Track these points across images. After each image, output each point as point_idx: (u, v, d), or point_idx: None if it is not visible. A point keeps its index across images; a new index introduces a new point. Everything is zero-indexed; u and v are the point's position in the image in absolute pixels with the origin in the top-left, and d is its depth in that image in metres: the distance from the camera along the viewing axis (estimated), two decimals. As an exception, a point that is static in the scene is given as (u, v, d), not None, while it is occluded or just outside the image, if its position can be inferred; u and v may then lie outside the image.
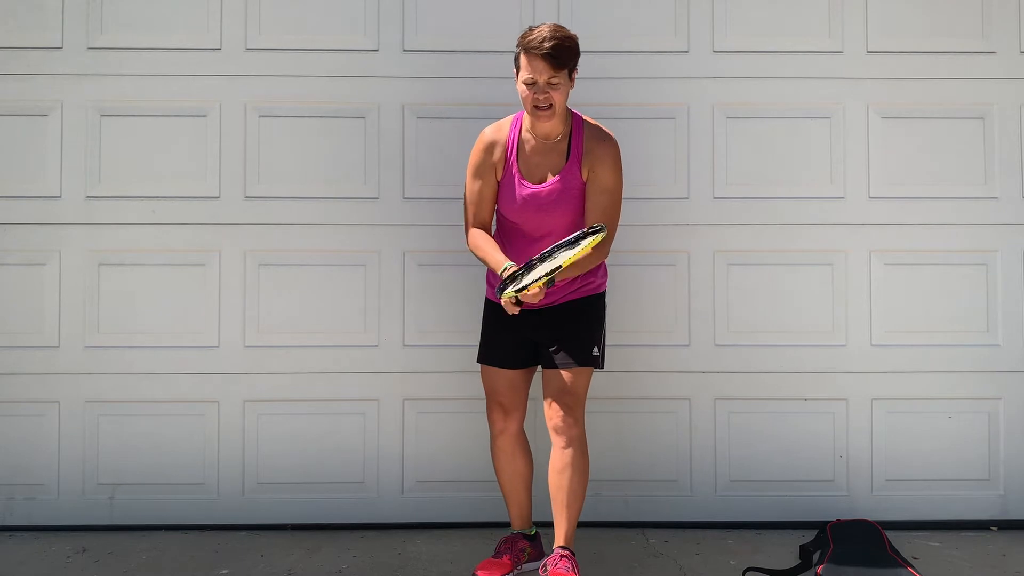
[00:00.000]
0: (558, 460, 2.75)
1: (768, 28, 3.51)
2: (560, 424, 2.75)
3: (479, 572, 2.85)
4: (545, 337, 2.85)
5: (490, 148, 2.86)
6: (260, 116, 3.48)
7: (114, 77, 3.46)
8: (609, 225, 2.74)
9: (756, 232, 3.49)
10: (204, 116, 3.47)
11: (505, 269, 2.69)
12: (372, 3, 3.49)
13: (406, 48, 3.50)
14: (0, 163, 3.44)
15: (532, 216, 2.81)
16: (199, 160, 3.47)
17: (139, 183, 3.45)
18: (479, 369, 2.99)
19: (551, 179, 2.79)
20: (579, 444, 2.76)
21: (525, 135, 2.83)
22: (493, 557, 2.93)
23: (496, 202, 2.90)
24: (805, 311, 3.50)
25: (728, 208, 3.48)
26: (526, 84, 2.70)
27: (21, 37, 3.45)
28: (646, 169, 3.39)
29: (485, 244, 2.84)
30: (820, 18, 3.52)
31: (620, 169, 2.81)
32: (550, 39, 2.64)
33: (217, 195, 3.46)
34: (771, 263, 3.48)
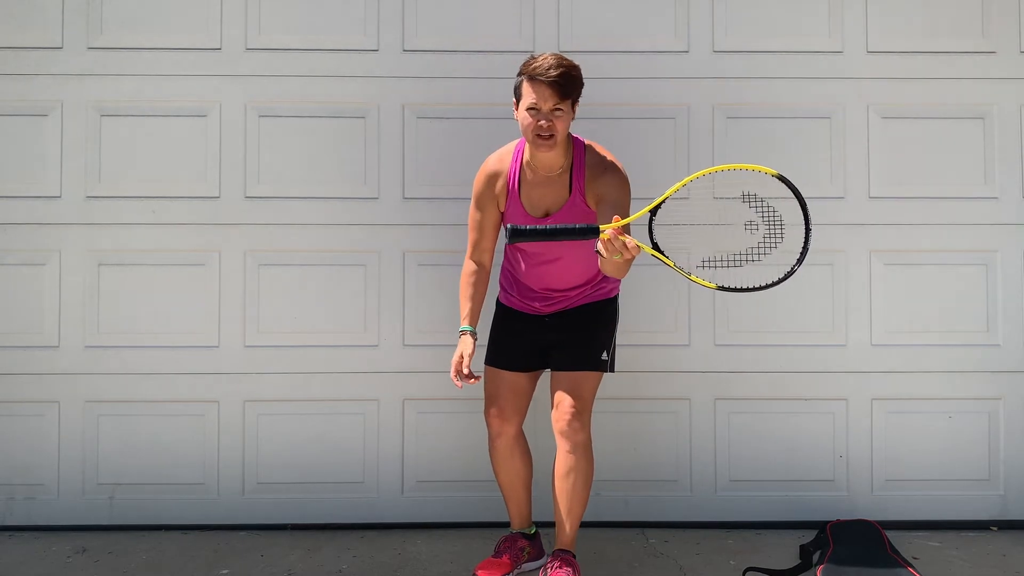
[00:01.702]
0: (562, 465, 2.75)
1: (768, 28, 3.51)
2: (566, 428, 2.74)
3: (479, 572, 2.85)
4: (554, 341, 2.85)
5: (492, 180, 2.84)
6: (260, 116, 3.48)
7: (114, 77, 3.46)
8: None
9: (756, 232, 3.49)
10: (204, 116, 3.47)
11: (463, 332, 2.79)
12: (372, 3, 3.49)
13: (406, 48, 3.50)
14: (0, 163, 3.44)
15: (537, 247, 2.80)
16: (199, 160, 3.47)
17: (139, 183, 3.45)
18: (481, 369, 2.97)
19: (553, 213, 2.77)
20: (584, 449, 2.74)
21: (526, 167, 2.80)
22: (493, 557, 2.93)
23: (498, 231, 2.90)
24: (805, 311, 3.50)
25: (728, 208, 3.49)
26: (528, 111, 2.65)
27: (21, 37, 3.45)
28: (646, 169, 3.38)
29: (465, 289, 2.87)
30: (820, 18, 3.52)
31: (629, 190, 2.75)
32: (556, 67, 2.61)
33: (217, 195, 3.46)
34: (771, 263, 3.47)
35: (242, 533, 3.37)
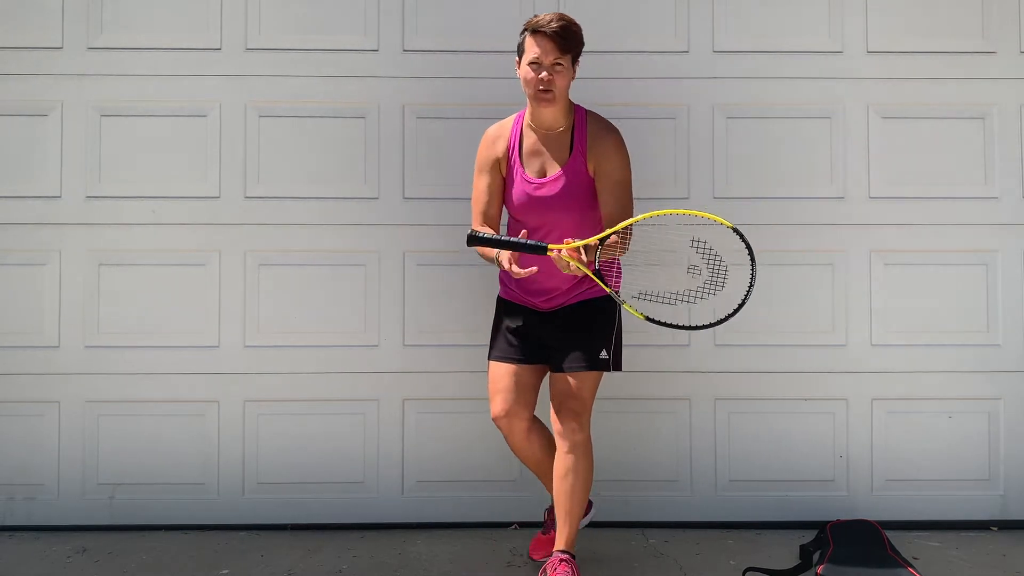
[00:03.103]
0: (561, 465, 2.73)
1: (768, 28, 3.51)
2: (564, 429, 2.73)
3: (533, 555, 2.94)
4: (554, 340, 2.84)
5: (493, 143, 2.88)
6: (260, 116, 3.48)
7: (114, 77, 3.46)
8: (627, 215, 2.72)
9: (756, 232, 3.42)
10: (204, 116, 3.47)
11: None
12: (372, 3, 3.49)
13: (406, 48, 3.50)
14: (0, 163, 3.44)
15: (537, 212, 2.79)
16: (199, 160, 3.47)
17: (139, 183, 3.46)
18: (481, 369, 2.96)
19: (554, 172, 2.79)
20: (583, 450, 2.73)
21: (527, 128, 2.83)
22: (542, 534, 2.99)
23: (503, 199, 2.90)
24: (805, 311, 3.49)
25: (728, 208, 3.46)
26: (530, 65, 2.69)
27: (21, 37, 3.45)
28: (646, 169, 3.38)
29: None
30: (820, 18, 3.52)
31: (628, 159, 2.80)
32: (558, 20, 2.68)
33: (217, 195, 3.46)
34: (771, 263, 3.45)
35: (242, 533, 3.37)
